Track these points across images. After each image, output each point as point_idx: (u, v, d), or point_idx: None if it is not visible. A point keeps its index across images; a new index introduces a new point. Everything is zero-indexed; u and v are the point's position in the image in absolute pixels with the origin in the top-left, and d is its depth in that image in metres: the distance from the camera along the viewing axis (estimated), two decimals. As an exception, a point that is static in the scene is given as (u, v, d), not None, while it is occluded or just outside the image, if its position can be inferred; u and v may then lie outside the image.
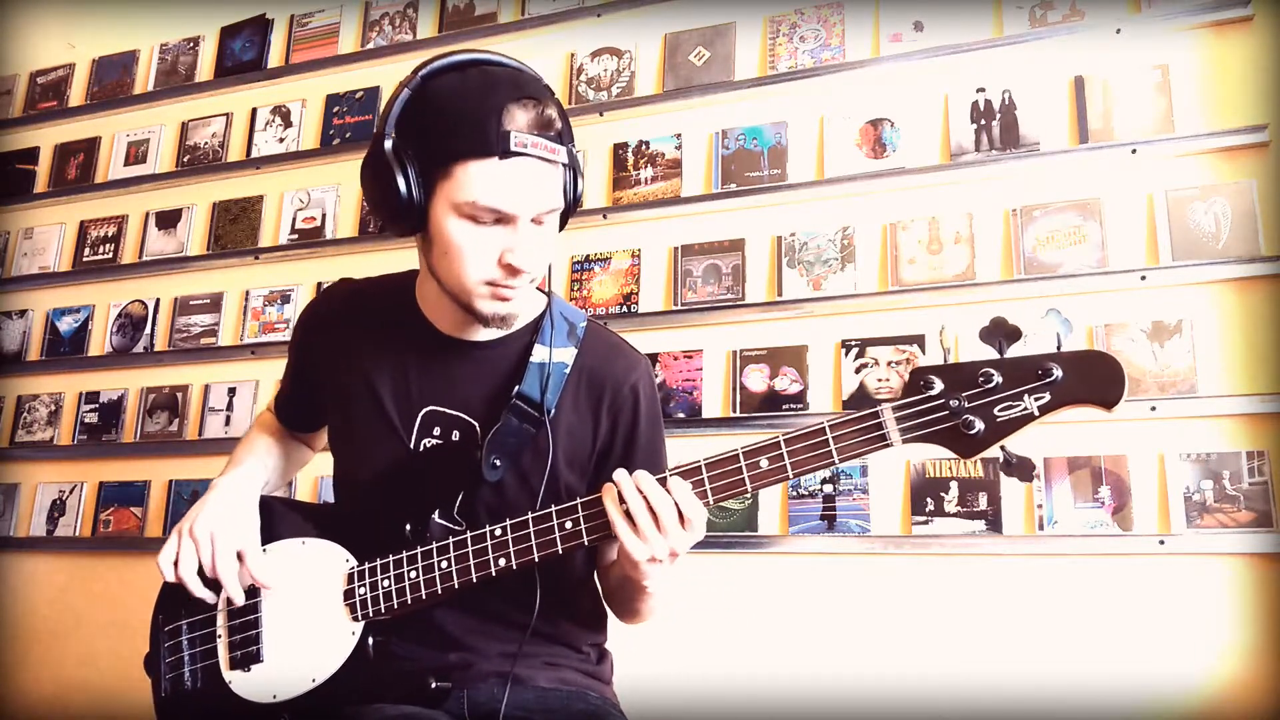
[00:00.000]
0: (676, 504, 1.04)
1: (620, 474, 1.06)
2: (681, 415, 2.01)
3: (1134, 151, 1.81)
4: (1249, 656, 1.61)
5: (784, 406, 1.95)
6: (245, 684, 1.22)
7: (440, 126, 1.08)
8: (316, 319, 1.37)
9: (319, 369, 1.35)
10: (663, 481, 1.06)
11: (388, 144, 1.10)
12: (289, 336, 2.36)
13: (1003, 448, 0.98)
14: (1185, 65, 1.83)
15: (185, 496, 2.39)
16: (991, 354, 0.98)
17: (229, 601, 1.23)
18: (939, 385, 0.99)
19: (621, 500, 1.05)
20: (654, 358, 2.06)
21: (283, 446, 1.46)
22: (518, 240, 1.10)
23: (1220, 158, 1.78)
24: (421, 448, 1.25)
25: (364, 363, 1.29)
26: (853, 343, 1.93)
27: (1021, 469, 0.98)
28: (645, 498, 1.04)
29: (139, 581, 2.40)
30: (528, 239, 1.10)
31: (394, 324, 1.27)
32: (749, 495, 1.07)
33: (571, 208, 1.18)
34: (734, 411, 1.99)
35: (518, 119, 1.06)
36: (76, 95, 2.88)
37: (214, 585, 1.23)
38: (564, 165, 1.11)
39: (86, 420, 2.55)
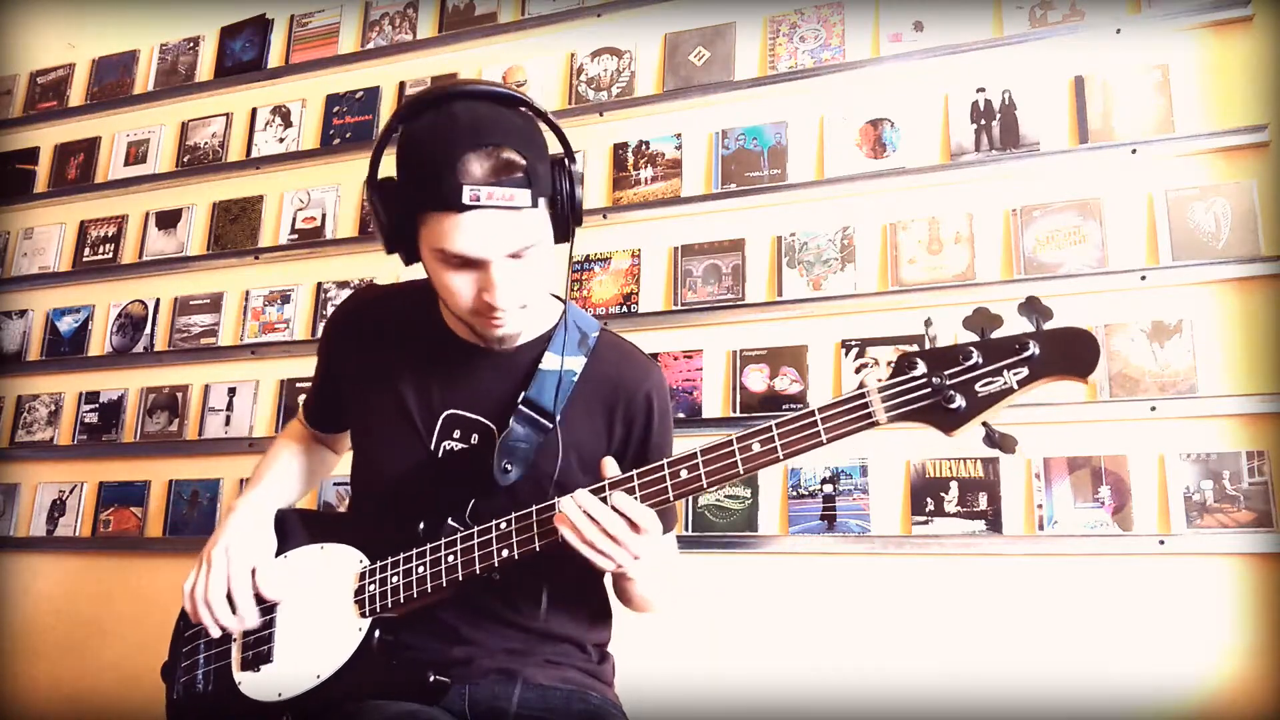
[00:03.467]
0: (623, 515, 1.07)
1: (564, 502, 1.10)
2: (681, 415, 2.01)
3: (1134, 151, 1.81)
4: (1249, 656, 1.61)
5: (784, 406, 1.95)
6: (253, 684, 1.24)
7: (410, 175, 1.11)
8: (342, 323, 1.40)
9: (345, 371, 1.38)
10: (603, 494, 1.10)
11: (373, 193, 1.15)
12: (289, 336, 2.38)
13: (984, 423, 1.01)
14: (1185, 65, 1.83)
15: (185, 496, 2.39)
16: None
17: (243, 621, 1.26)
18: (922, 367, 1.03)
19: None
20: (654, 358, 2.05)
21: (306, 456, 1.49)
22: (490, 281, 1.12)
23: (1220, 158, 1.78)
24: (442, 450, 1.27)
25: (388, 366, 1.32)
26: (853, 343, 1.93)
27: (1004, 442, 1.01)
28: (592, 518, 1.08)
29: (139, 581, 2.40)
30: (502, 278, 1.12)
31: (417, 329, 1.30)
32: (742, 477, 1.11)
33: (567, 224, 1.18)
34: (734, 412, 1.99)
35: (472, 170, 1.06)
36: (76, 95, 2.88)
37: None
38: (528, 207, 1.09)
39: (86, 420, 2.55)
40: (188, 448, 2.42)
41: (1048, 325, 1.00)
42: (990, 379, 1.00)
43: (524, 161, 1.08)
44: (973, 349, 1.01)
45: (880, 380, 1.04)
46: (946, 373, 1.01)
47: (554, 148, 1.17)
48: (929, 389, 1.01)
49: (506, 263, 1.11)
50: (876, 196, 1.99)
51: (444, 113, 1.10)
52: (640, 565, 1.12)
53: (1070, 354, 0.98)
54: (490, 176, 1.06)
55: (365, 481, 1.36)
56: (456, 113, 1.09)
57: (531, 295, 1.18)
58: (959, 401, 1.00)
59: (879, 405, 1.03)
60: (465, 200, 1.05)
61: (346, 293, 2.34)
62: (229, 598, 1.24)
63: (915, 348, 1.86)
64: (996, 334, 1.01)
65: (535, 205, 1.09)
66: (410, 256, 1.17)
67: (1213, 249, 1.74)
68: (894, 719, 1.76)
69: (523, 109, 1.14)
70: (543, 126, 1.16)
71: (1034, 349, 0.98)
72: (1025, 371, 0.99)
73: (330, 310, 2.32)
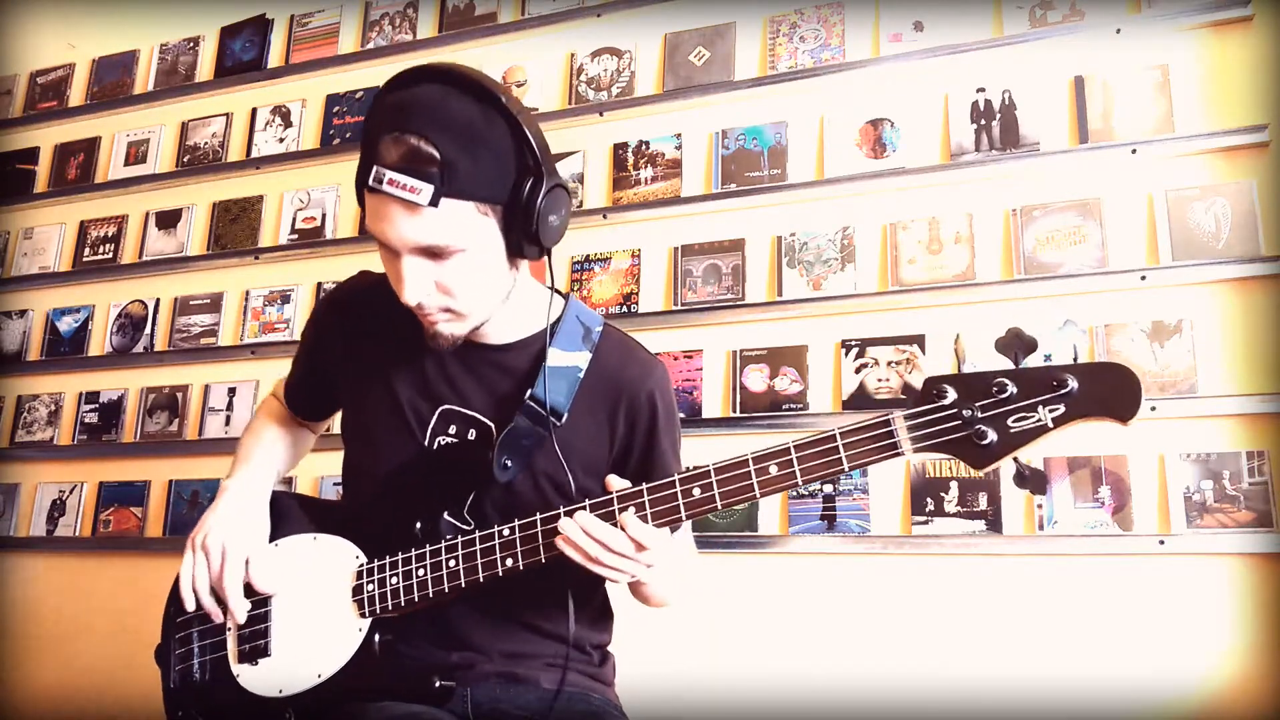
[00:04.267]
0: (630, 536, 1.05)
1: (564, 523, 1.07)
2: (682, 415, 2.01)
3: (1134, 151, 1.81)
4: (1249, 657, 1.61)
5: (784, 407, 1.95)
6: (253, 678, 1.23)
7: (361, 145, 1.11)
8: (337, 308, 1.37)
9: (336, 359, 1.35)
10: (609, 513, 1.07)
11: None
12: (289, 336, 2.38)
13: (1015, 460, 0.96)
14: (1185, 65, 1.83)
15: (185, 496, 2.39)
16: (1006, 364, 0.97)
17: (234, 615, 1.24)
18: (952, 395, 0.97)
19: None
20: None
21: (290, 435, 1.46)
22: (398, 271, 1.10)
23: (1220, 158, 1.78)
24: (436, 445, 1.25)
25: (382, 357, 1.29)
26: (853, 343, 1.93)
27: (1035, 481, 0.96)
28: (595, 539, 1.06)
29: (139, 581, 2.40)
30: (411, 273, 1.09)
31: (414, 321, 1.27)
32: (757, 500, 1.08)
33: (520, 241, 1.12)
34: (734, 412, 1.99)
35: (384, 154, 1.05)
36: (76, 95, 2.88)
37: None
38: (427, 205, 1.04)
39: (86, 420, 2.55)
40: (188, 448, 2.42)
41: (1084, 357, 0.95)
42: (1025, 415, 0.94)
43: (438, 155, 1.03)
44: (1007, 381, 0.94)
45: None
46: (978, 405, 0.95)
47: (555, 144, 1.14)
48: (959, 421, 0.96)
49: (418, 259, 1.09)
50: (876, 196, 1.99)
51: (402, 94, 1.08)
52: (654, 572, 1.11)
53: (1111, 394, 0.91)
54: (398, 163, 1.04)
55: (357, 475, 1.34)
56: (409, 96, 1.08)
57: (462, 302, 1.13)
58: (991, 437, 0.94)
59: (905, 436, 0.98)
60: (370, 181, 1.05)
61: (346, 293, 2.34)
62: (223, 589, 1.22)
63: (916, 348, 1.87)
64: (1030, 360, 0.95)
65: (436, 204, 1.03)
66: None
67: (1213, 249, 1.74)
68: (894, 719, 1.76)
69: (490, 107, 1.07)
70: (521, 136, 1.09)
71: (1072, 385, 0.92)
72: (1062, 409, 0.92)
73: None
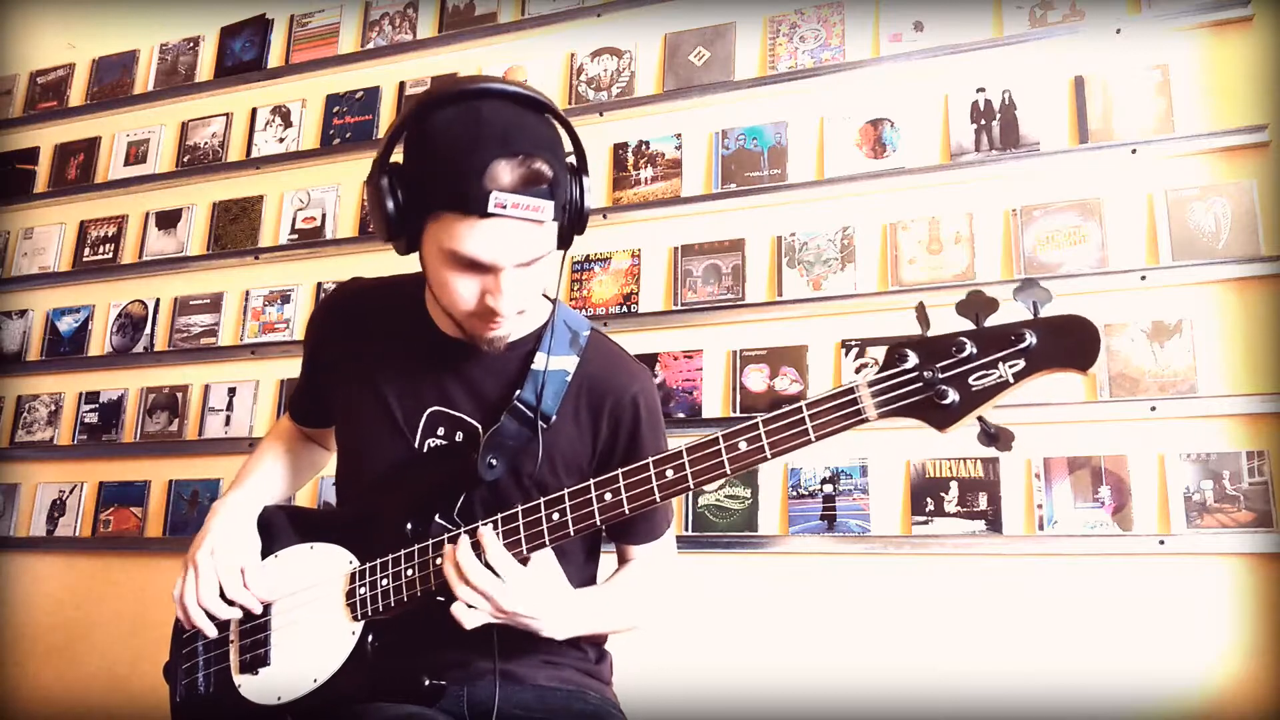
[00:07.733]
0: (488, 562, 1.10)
1: (447, 551, 1.12)
2: (681, 415, 2.01)
3: (1134, 151, 1.81)
4: (1249, 656, 1.61)
5: (784, 407, 1.94)
6: (253, 687, 1.24)
7: (430, 171, 1.08)
8: (327, 316, 1.39)
9: (329, 366, 1.37)
10: (476, 544, 1.11)
11: (384, 179, 1.10)
12: (289, 336, 2.38)
13: (980, 419, 0.96)
14: (1185, 65, 1.83)
15: (185, 496, 2.39)
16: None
17: (238, 619, 1.26)
18: (913, 358, 0.98)
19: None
20: (654, 358, 2.06)
21: (293, 455, 1.48)
22: (498, 288, 1.11)
23: (1220, 158, 1.78)
24: (426, 448, 1.26)
25: (372, 362, 1.30)
26: (853, 343, 1.93)
27: (1001, 439, 0.96)
28: (459, 569, 1.10)
29: (139, 581, 2.40)
30: (509, 285, 1.11)
31: (403, 325, 1.28)
32: (730, 477, 1.09)
33: (570, 233, 1.17)
34: (734, 412, 1.99)
35: (500, 178, 1.04)
36: (76, 95, 2.88)
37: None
38: (550, 220, 1.09)
39: (86, 420, 2.55)
40: (188, 448, 2.42)
41: (1046, 311, 0.95)
42: (985, 372, 0.95)
43: (551, 174, 1.07)
44: (966, 340, 0.96)
45: (870, 369, 1.01)
46: (938, 365, 0.96)
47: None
48: (920, 383, 0.97)
49: (516, 271, 1.10)
50: (876, 196, 1.99)
51: (471, 111, 1.07)
52: (523, 619, 1.12)
53: (1069, 344, 0.92)
54: (519, 186, 1.04)
55: (350, 479, 1.35)
56: (485, 114, 1.07)
57: (531, 301, 1.18)
58: (952, 396, 0.95)
59: (869, 401, 0.99)
60: (490, 208, 1.03)
61: (346, 293, 2.34)
62: (222, 598, 1.23)
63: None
64: (992, 320, 0.97)
65: (557, 219, 1.09)
66: (409, 248, 1.14)
67: (1213, 249, 1.74)
68: (894, 719, 1.76)
69: (547, 115, 1.13)
70: (563, 134, 1.15)
71: (1030, 339, 0.93)
72: (1021, 364, 0.93)
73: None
